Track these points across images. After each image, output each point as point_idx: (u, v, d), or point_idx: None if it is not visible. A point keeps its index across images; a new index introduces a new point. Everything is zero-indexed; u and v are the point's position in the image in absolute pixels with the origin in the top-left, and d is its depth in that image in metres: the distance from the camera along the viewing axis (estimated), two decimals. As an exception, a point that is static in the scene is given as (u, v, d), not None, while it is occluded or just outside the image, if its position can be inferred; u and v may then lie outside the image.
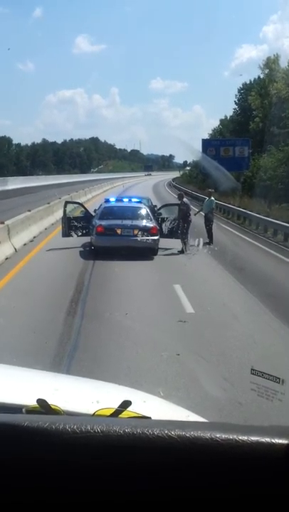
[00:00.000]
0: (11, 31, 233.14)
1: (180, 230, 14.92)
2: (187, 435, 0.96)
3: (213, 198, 17.37)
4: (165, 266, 12.86)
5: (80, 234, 15.15)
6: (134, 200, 16.64)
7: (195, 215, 16.12)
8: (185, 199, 15.88)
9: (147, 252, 13.36)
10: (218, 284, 10.81)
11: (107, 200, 16.16)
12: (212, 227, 16.47)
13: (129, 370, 5.70)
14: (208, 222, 16.39)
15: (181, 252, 14.35)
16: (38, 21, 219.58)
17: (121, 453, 0.96)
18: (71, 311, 8.19)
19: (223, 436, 0.95)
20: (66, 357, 6.20)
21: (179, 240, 14.72)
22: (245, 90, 47.49)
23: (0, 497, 0.95)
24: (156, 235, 13.92)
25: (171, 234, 14.97)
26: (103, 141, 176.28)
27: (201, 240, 15.53)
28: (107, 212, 14.66)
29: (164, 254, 13.96)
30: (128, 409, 1.36)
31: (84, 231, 15.01)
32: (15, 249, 13.77)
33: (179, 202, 15.64)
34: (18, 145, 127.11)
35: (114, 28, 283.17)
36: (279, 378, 1.69)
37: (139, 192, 31.69)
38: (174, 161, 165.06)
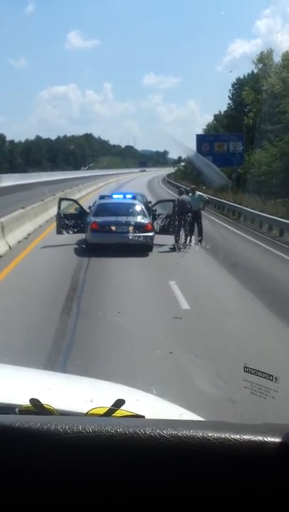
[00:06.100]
0: (2, 27, 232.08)
1: (177, 227, 14.81)
2: (179, 434, 0.95)
3: (201, 193, 16.95)
4: (160, 262, 12.85)
5: (71, 232, 15.05)
6: (128, 196, 16.60)
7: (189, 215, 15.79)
8: (183, 196, 15.67)
9: (142, 249, 13.35)
10: (213, 280, 10.80)
11: (101, 197, 16.12)
12: (202, 223, 15.92)
13: (124, 368, 5.69)
14: (199, 219, 15.83)
15: (174, 249, 14.30)
16: (29, 17, 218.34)
17: (113, 453, 0.96)
18: (66, 309, 8.18)
19: (216, 435, 0.95)
20: (60, 355, 6.19)
21: (173, 237, 14.65)
22: (239, 85, 47.41)
23: None
24: (151, 232, 13.89)
25: (163, 231, 14.85)
26: (97, 137, 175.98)
27: (194, 237, 15.50)
28: (102, 209, 14.62)
29: (159, 251, 13.95)
30: (121, 407, 1.35)
31: (76, 229, 14.92)
32: (9, 246, 13.73)
33: (177, 198, 15.44)
34: (12, 142, 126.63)
35: (107, 24, 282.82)
36: (272, 376, 1.69)
37: (133, 188, 31.62)
38: (169, 156, 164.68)
